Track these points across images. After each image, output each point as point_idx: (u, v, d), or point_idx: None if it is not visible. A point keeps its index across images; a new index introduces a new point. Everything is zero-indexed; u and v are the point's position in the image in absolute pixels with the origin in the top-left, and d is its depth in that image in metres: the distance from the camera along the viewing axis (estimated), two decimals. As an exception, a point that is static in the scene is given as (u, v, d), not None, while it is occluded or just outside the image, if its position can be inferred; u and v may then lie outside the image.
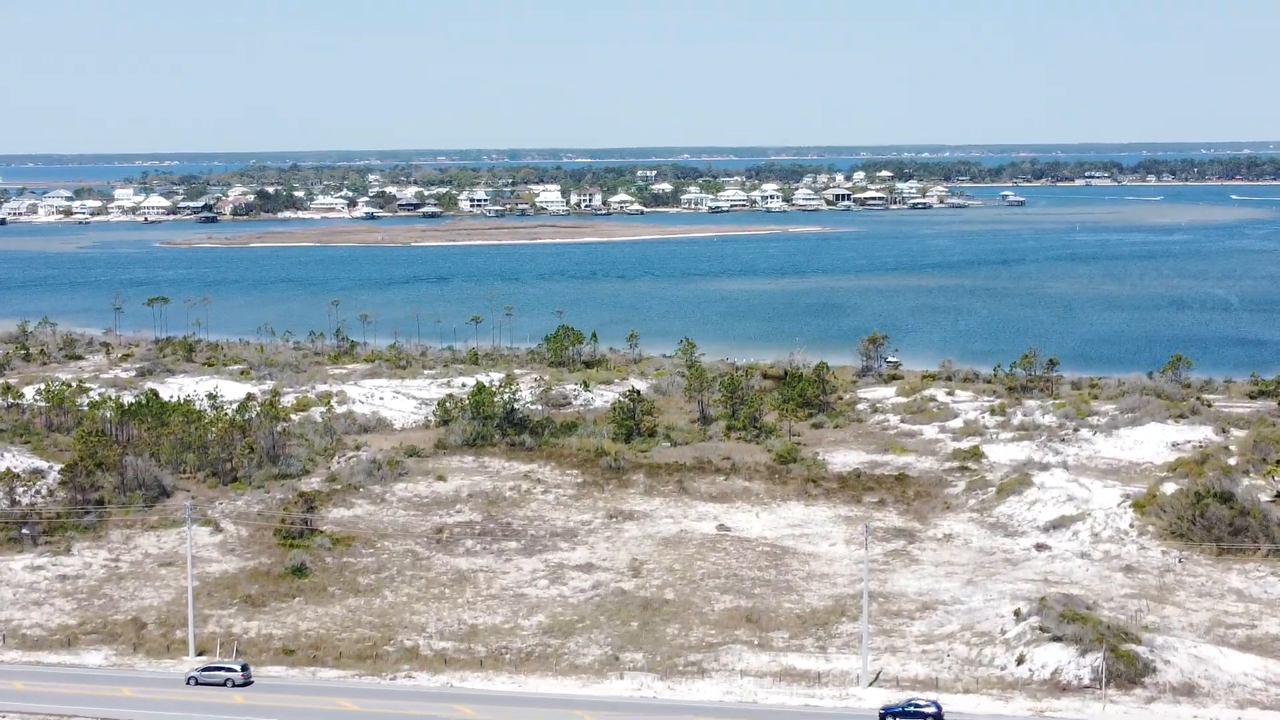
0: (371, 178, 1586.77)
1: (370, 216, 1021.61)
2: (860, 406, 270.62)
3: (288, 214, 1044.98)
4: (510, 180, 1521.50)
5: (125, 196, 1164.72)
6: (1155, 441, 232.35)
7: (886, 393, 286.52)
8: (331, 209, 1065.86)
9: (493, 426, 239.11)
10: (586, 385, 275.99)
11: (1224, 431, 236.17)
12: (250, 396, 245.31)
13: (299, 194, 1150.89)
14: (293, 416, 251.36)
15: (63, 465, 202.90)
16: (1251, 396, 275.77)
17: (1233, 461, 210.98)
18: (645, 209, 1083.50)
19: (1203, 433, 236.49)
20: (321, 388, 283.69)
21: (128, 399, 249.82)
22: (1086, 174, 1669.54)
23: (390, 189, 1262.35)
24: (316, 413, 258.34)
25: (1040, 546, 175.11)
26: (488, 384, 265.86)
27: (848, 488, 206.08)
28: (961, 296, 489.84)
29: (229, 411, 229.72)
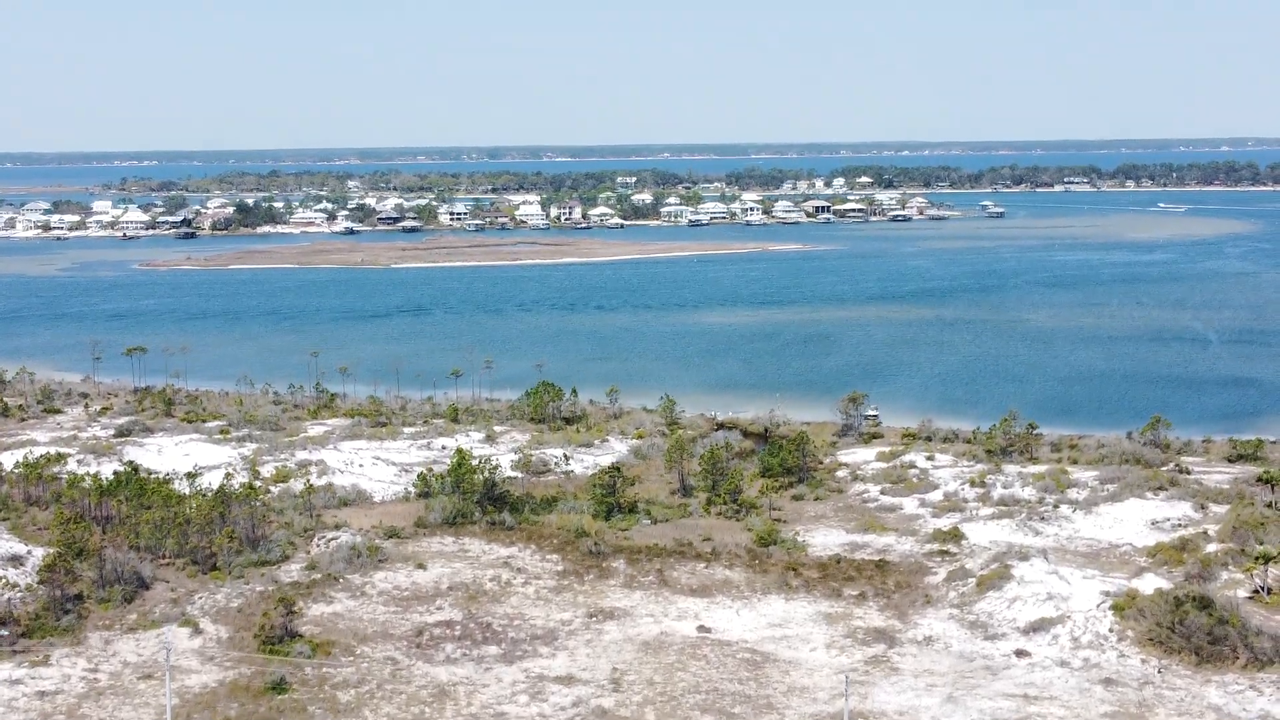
0: (351, 184, 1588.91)
1: (350, 232, 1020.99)
2: (840, 474, 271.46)
3: (267, 228, 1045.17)
4: (490, 187, 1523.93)
5: (104, 209, 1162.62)
6: (1135, 519, 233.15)
7: (867, 455, 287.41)
8: (311, 223, 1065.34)
9: (472, 503, 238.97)
10: (567, 458, 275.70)
11: (1203, 508, 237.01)
12: (229, 475, 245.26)
13: (278, 206, 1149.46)
14: (272, 489, 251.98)
15: (43, 557, 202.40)
16: (1230, 460, 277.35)
17: (1212, 549, 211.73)
18: (625, 222, 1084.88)
19: (1182, 509, 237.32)
20: (301, 455, 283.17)
21: (107, 472, 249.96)
22: (1066, 179, 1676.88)
23: (370, 199, 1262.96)
24: (297, 483, 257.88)
25: (1020, 653, 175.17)
26: (468, 449, 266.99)
27: (828, 577, 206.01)
28: (941, 330, 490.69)
29: (208, 494, 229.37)
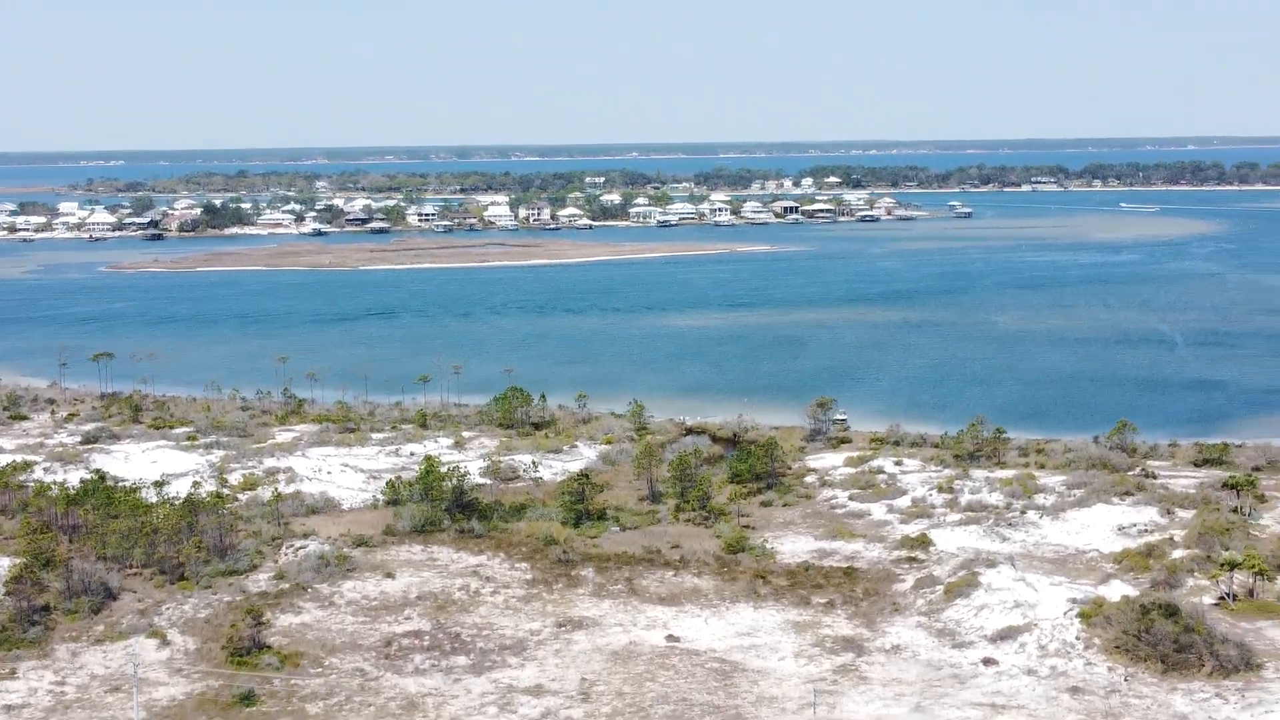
0: (319, 185, 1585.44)
1: (318, 233, 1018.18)
2: (809, 480, 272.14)
3: (235, 230, 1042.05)
4: (459, 187, 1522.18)
5: (70, 211, 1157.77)
6: (1101, 525, 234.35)
7: (835, 461, 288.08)
8: (279, 225, 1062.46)
9: (441, 510, 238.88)
10: (536, 465, 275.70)
11: (1169, 513, 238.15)
12: (197, 484, 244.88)
13: (246, 207, 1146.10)
14: (240, 497, 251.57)
15: (9, 567, 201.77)
16: (1196, 465, 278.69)
17: (1178, 555, 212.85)
18: (594, 223, 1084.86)
19: (1148, 515, 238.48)
20: (269, 462, 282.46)
21: (74, 480, 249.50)
22: (1033, 179, 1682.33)
23: (338, 199, 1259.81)
24: (265, 491, 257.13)
25: (988, 661, 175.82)
26: (436, 456, 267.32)
27: (797, 585, 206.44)
28: (910, 332, 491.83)
29: (176, 502, 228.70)
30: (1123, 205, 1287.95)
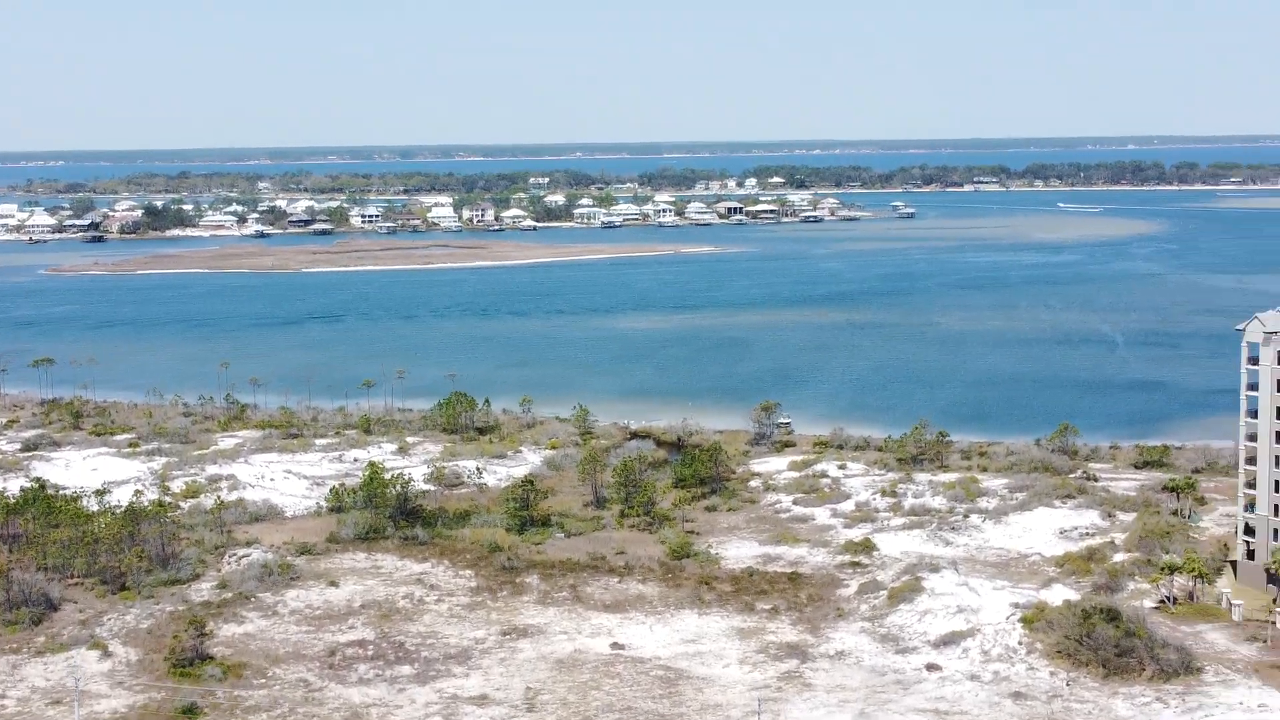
0: (262, 185, 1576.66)
1: (260, 235, 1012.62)
2: (753, 484, 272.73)
3: (176, 232, 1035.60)
4: (403, 188, 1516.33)
5: (9, 212, 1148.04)
6: (1043, 528, 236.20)
7: (779, 465, 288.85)
8: (221, 227, 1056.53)
9: (385, 518, 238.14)
10: (480, 471, 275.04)
11: (1110, 516, 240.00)
12: (139, 493, 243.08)
13: (188, 209, 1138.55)
14: (182, 504, 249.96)
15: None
16: (1137, 467, 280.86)
17: (1119, 559, 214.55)
18: (538, 224, 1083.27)
19: (1090, 518, 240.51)
20: (211, 469, 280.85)
21: (14, 489, 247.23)
22: (976, 179, 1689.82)
23: (281, 200, 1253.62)
24: (207, 499, 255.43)
25: (931, 667, 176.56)
26: (380, 462, 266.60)
27: (741, 590, 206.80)
28: (853, 334, 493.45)
29: (118, 511, 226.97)
30: (1060, 205, 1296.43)
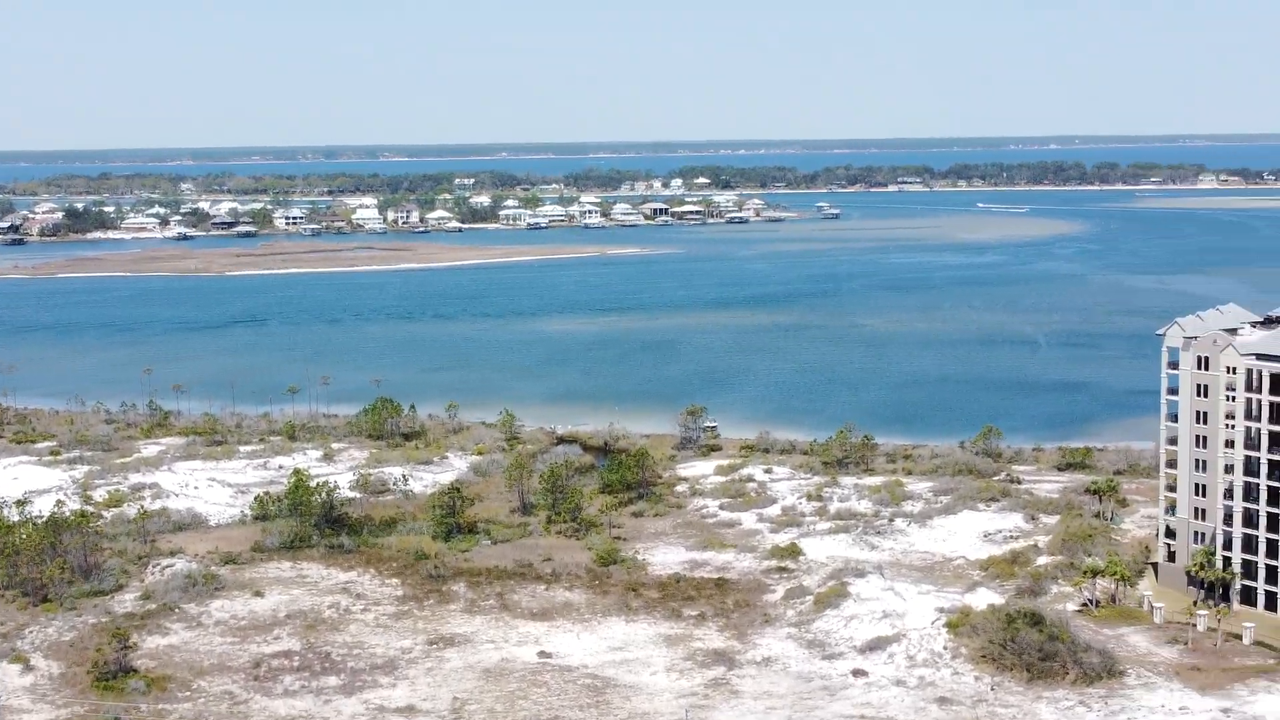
0: (185, 187, 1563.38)
1: (183, 237, 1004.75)
2: (680, 489, 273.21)
3: (98, 234, 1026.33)
4: (327, 189, 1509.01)
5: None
6: (968, 532, 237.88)
7: (706, 469, 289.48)
8: (143, 229, 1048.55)
9: (311, 526, 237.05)
10: (406, 478, 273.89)
11: (1034, 519, 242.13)
12: (61, 503, 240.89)
13: (109, 211, 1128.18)
14: (105, 514, 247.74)
15: None
16: (1060, 469, 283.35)
17: (1043, 562, 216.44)
18: (464, 225, 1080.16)
19: (1013, 521, 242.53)
20: (135, 477, 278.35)
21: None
22: (900, 179, 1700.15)
23: (204, 202, 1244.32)
24: (130, 508, 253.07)
25: (858, 672, 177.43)
26: (305, 469, 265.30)
27: (668, 597, 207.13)
28: (779, 336, 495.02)
29: (39, 521, 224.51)
30: (979, 205, 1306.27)
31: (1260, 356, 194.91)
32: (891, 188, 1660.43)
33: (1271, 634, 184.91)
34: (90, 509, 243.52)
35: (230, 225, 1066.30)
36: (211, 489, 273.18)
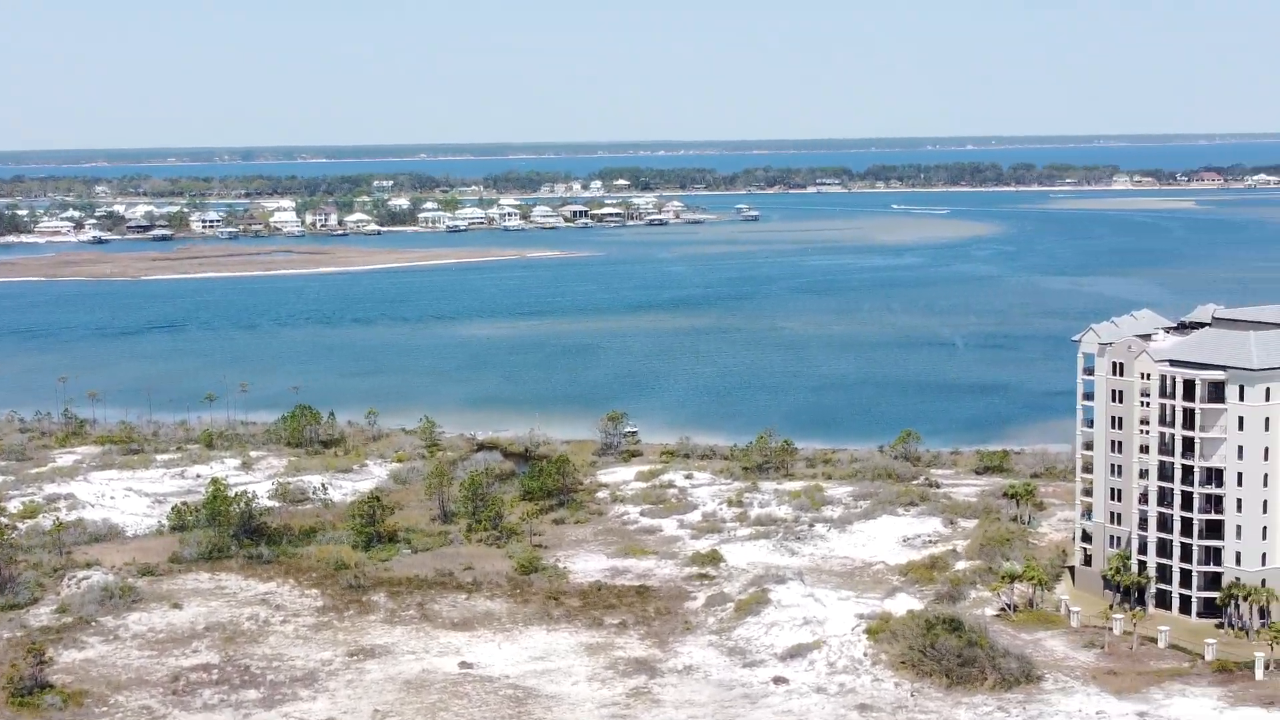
0: (100, 190, 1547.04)
1: (98, 241, 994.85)
2: (601, 495, 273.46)
3: (10, 238, 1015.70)
4: (244, 191, 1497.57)
5: None
6: (887, 536, 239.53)
7: (626, 475, 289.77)
8: (57, 233, 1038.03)
9: (229, 536, 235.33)
10: (325, 487, 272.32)
11: (952, 523, 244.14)
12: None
13: (22, 214, 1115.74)
14: (19, 525, 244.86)
15: None
16: (978, 472, 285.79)
17: (961, 566, 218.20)
18: (383, 228, 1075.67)
19: (932, 525, 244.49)
20: (50, 488, 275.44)
21: None
22: (818, 180, 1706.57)
23: (119, 205, 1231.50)
24: (45, 519, 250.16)
25: (778, 680, 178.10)
26: (223, 478, 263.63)
27: (590, 605, 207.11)
28: (699, 339, 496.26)
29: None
30: (894, 207, 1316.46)
31: (1174, 363, 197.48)
32: (810, 189, 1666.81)
33: (1186, 637, 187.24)
34: (4, 520, 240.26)
35: (146, 228, 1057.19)
36: (128, 499, 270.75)
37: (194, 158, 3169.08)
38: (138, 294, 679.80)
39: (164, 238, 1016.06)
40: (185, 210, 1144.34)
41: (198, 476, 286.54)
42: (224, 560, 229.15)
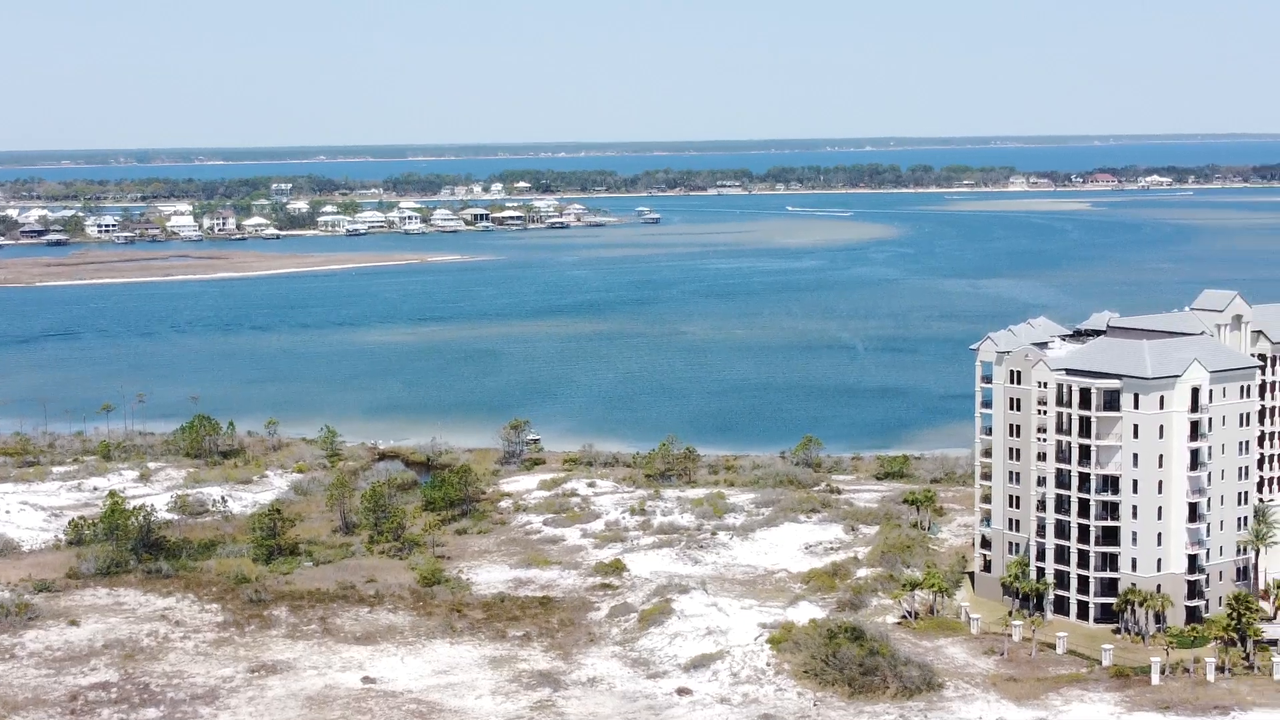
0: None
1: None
2: (504, 504, 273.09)
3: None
4: (141, 195, 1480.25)
5: None
6: (789, 544, 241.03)
7: (529, 484, 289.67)
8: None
9: (127, 550, 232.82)
10: (225, 499, 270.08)
11: (853, 530, 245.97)
12: None
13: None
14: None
15: None
16: (879, 478, 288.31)
17: (863, 574, 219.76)
18: (282, 232, 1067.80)
19: (834, 532, 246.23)
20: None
21: None
22: (719, 183, 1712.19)
23: (11, 209, 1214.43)
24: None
25: (682, 691, 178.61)
26: (121, 491, 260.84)
27: (493, 617, 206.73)
28: (601, 344, 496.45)
29: None
30: (789, 209, 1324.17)
31: (1070, 371, 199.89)
32: (710, 191, 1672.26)
33: (1084, 643, 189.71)
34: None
35: (40, 233, 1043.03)
36: (24, 513, 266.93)
37: (89, 160, 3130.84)
38: (31, 300, 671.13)
39: (59, 243, 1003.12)
40: (80, 214, 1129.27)
41: (95, 489, 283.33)
42: (123, 575, 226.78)
